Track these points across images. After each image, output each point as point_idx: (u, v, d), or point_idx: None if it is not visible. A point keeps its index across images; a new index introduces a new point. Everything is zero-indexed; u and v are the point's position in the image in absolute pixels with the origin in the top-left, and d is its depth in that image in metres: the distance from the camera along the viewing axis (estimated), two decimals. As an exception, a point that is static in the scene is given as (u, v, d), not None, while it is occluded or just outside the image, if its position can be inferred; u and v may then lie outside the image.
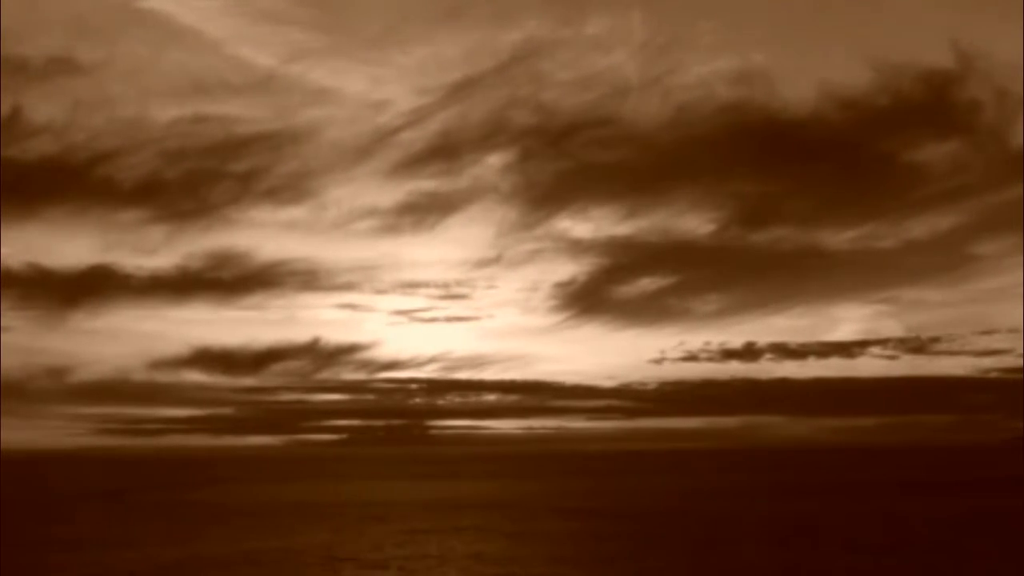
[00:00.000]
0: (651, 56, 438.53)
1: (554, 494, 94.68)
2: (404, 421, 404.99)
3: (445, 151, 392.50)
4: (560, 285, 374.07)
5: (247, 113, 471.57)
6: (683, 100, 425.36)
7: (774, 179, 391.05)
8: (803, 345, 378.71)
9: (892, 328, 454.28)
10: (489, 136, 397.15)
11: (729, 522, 59.71)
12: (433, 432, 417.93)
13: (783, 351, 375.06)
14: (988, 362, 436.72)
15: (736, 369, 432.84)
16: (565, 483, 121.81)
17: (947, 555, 41.94)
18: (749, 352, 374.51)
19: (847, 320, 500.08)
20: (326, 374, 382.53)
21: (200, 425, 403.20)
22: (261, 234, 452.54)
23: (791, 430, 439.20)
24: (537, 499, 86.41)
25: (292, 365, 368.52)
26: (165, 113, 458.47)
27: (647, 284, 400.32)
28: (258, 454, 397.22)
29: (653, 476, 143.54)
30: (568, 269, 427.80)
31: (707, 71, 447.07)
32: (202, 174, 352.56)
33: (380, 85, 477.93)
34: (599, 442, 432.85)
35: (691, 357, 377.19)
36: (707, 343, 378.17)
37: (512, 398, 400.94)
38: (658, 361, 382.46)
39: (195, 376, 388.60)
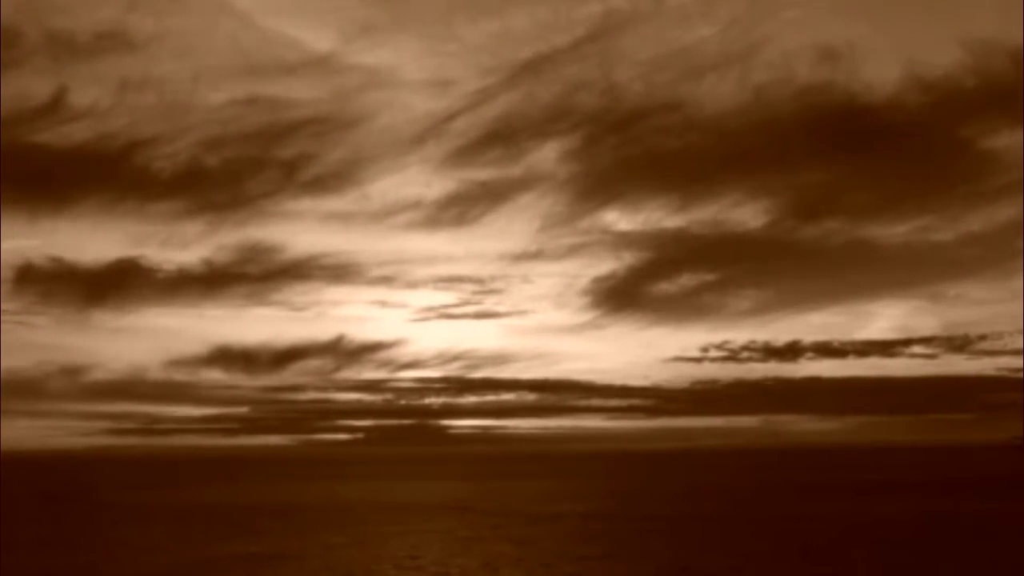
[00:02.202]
0: (736, 32, 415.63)
1: (545, 496, 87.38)
2: (421, 420, 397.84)
3: (504, 137, 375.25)
4: (597, 281, 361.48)
5: (301, 95, 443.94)
6: (762, 81, 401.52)
7: (839, 168, 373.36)
8: (846, 343, 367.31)
9: (937, 325, 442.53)
10: (552, 121, 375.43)
11: (729, 523, 53.59)
12: (451, 431, 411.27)
13: (826, 350, 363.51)
14: (1019, 360, 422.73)
15: (768, 368, 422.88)
16: (570, 484, 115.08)
17: (948, 556, 38.92)
18: (791, 351, 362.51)
19: (891, 317, 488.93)
20: (347, 373, 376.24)
21: (213, 425, 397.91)
22: (297, 227, 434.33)
23: (818, 428, 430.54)
24: (524, 502, 79.68)
25: (313, 364, 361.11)
26: (216, 94, 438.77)
27: (687, 280, 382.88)
28: (268, 454, 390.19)
29: (668, 476, 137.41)
30: (608, 264, 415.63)
31: (792, 47, 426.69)
32: (244, 162, 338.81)
33: (443, 63, 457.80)
34: (620, 441, 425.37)
35: (732, 356, 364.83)
36: (752, 341, 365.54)
37: (533, 397, 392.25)
38: (697, 360, 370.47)
39: (214, 375, 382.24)
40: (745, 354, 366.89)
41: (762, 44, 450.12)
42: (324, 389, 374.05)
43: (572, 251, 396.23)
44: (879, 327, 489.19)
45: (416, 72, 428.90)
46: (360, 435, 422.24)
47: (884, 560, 37.77)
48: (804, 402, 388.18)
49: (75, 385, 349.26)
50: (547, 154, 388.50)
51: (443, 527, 54.36)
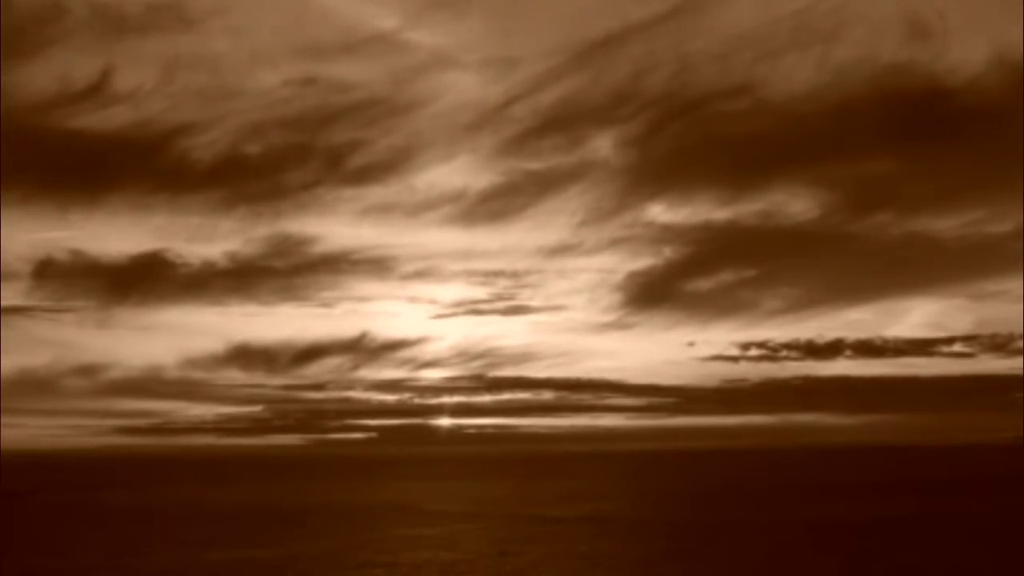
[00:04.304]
0: (823, 6, 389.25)
1: (540, 497, 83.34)
2: (436, 419, 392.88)
3: (562, 124, 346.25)
4: (633, 276, 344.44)
5: (358, 76, 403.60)
6: (842, 61, 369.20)
7: (904, 157, 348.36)
8: (888, 341, 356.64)
9: (979, 321, 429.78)
10: (614, 106, 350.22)
11: (731, 526, 50.29)
12: (466, 431, 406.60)
13: (867, 348, 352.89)
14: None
15: (799, 366, 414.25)
16: (572, 485, 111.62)
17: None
18: (832, 349, 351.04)
19: (932, 313, 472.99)
20: (366, 371, 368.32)
21: (226, 425, 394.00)
22: (334, 219, 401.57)
23: (843, 427, 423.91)
24: (519, 503, 76.35)
25: (333, 362, 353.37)
26: (269, 75, 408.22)
27: (727, 276, 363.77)
28: (280, 455, 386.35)
29: (677, 476, 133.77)
30: (647, 259, 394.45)
31: (879, 23, 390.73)
32: (289, 149, 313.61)
33: (509, 42, 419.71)
34: (640, 441, 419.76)
35: (771, 355, 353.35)
36: (795, 339, 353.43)
37: (553, 395, 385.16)
38: (735, 359, 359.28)
39: (232, 374, 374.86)
40: (784, 352, 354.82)
41: (848, 21, 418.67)
42: (342, 388, 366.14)
43: (612, 245, 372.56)
44: (917, 323, 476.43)
45: (479, 52, 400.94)
46: (374, 435, 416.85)
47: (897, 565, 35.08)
48: (831, 401, 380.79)
49: (90, 383, 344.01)
50: (604, 142, 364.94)
51: (411, 533, 51.07)
